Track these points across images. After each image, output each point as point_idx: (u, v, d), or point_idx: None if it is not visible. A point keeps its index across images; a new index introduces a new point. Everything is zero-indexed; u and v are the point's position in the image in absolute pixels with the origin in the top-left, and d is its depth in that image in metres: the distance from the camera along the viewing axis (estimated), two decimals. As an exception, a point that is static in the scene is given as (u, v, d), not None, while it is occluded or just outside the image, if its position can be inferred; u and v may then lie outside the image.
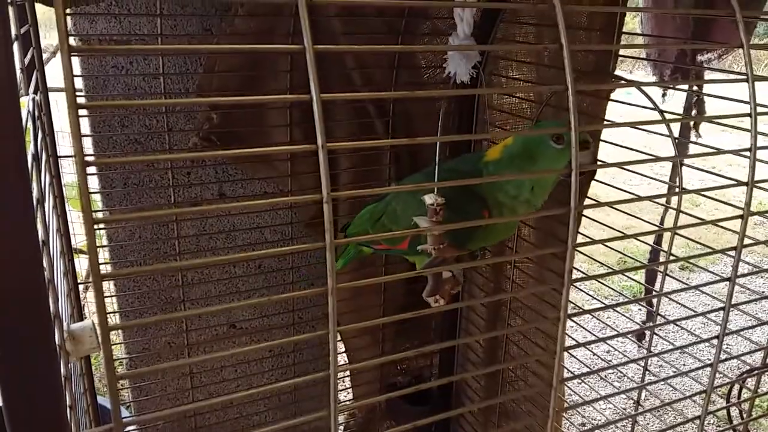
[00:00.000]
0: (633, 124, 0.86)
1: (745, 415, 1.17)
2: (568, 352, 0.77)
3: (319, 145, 0.55)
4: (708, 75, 1.61)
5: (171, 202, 1.55)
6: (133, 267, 1.23)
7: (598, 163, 1.26)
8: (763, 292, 3.88)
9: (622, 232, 0.93)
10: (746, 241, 0.89)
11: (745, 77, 0.80)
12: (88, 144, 1.50)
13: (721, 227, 1.06)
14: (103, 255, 1.62)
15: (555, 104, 1.42)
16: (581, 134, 1.07)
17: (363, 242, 1.42)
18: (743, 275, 0.92)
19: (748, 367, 1.30)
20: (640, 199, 0.89)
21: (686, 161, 1.32)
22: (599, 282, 2.44)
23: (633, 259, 1.50)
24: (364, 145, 0.97)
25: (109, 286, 1.72)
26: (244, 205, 1.06)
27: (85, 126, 1.49)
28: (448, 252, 1.07)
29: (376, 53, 1.60)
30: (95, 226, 0.48)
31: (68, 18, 1.38)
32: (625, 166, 1.29)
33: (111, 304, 1.65)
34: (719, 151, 0.90)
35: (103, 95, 1.44)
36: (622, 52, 1.33)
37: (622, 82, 1.07)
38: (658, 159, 0.90)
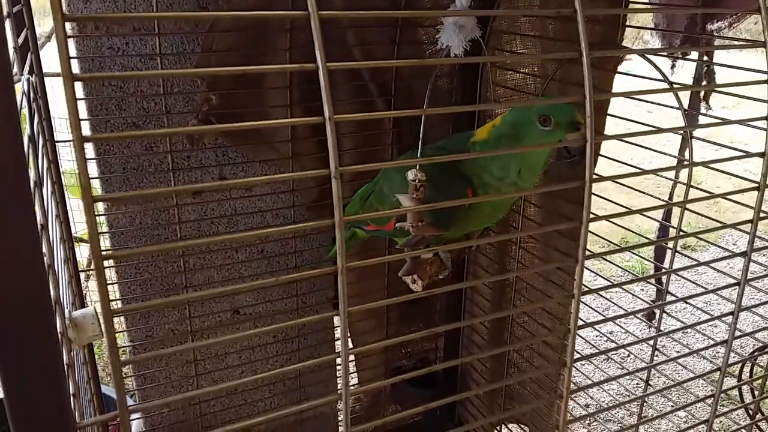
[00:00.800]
0: (637, 93, 0.83)
1: (757, 393, 1.15)
2: (577, 333, 0.75)
3: (326, 117, 0.52)
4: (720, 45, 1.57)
5: (171, 186, 1.52)
6: (134, 249, 1.21)
7: (605, 134, 1.23)
8: None
9: (628, 208, 0.90)
10: (761, 215, 0.87)
11: (762, 43, 0.78)
12: (85, 128, 1.47)
13: (733, 201, 1.04)
14: (104, 242, 1.60)
15: (560, 78, 1.39)
16: (573, 114, 1.05)
17: (355, 223, 1.41)
18: (761, 249, 0.90)
19: (757, 345, 1.28)
20: (650, 172, 0.86)
21: (696, 135, 1.29)
22: (605, 260, 2.42)
23: (640, 236, 1.48)
24: (370, 116, 0.94)
25: (110, 274, 1.70)
26: (246, 182, 1.03)
27: (82, 110, 1.46)
28: (427, 231, 1.04)
29: (377, 30, 1.57)
30: (94, 207, 0.46)
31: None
32: (632, 141, 1.27)
33: (113, 291, 1.63)
34: (731, 122, 0.87)
35: (100, 77, 1.41)
36: (630, 22, 1.29)
37: (634, 48, 1.04)
38: (662, 130, 0.87)
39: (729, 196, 0.95)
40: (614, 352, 3.04)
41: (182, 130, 1.29)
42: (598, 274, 1.85)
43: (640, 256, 2.17)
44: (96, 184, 1.52)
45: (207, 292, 0.58)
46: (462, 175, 1.12)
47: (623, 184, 1.32)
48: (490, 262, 1.88)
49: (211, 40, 1.40)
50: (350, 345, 1.98)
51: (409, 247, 1.09)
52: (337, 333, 2.16)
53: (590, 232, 1.58)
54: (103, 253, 0.47)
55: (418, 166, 1.03)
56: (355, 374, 2.05)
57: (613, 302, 1.83)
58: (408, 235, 1.08)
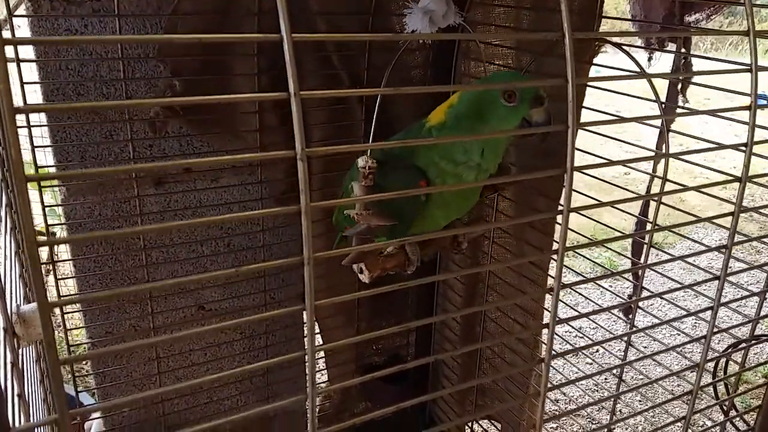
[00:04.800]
0: (613, 79, 0.81)
1: (731, 390, 1.14)
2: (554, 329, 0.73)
3: (291, 93, 0.48)
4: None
5: (132, 177, 1.46)
6: (85, 234, 1.14)
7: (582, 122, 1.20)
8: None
9: (599, 200, 0.88)
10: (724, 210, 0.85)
11: (746, 32, 0.76)
12: (42, 117, 1.40)
13: (706, 194, 1.02)
14: (62, 234, 1.53)
15: (535, 70, 1.37)
16: (537, 88, 1.00)
17: (340, 227, 1.35)
18: (740, 242, 0.88)
19: (731, 342, 1.27)
20: (625, 162, 0.83)
21: (673, 129, 1.27)
22: (581, 255, 2.42)
23: (613, 229, 1.46)
24: (336, 94, 0.89)
25: (69, 268, 1.62)
26: (207, 161, 0.97)
27: (37, 96, 1.39)
28: (372, 219, 1.00)
29: (349, 18, 1.53)
30: (27, 187, 0.41)
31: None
32: (608, 135, 1.25)
33: (68, 286, 1.56)
34: (708, 112, 0.85)
35: (56, 60, 1.34)
36: (606, 12, 1.27)
37: (614, 32, 1.02)
38: (639, 119, 0.84)
39: (704, 190, 0.93)
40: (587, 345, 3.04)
41: (140, 102, 1.21)
42: (570, 268, 1.83)
43: (613, 250, 2.16)
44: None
45: (162, 282, 0.53)
46: (415, 167, 1.06)
47: (597, 178, 1.30)
48: (463, 257, 1.85)
49: (174, 23, 1.33)
50: (319, 341, 1.94)
51: (356, 236, 1.04)
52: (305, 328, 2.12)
53: (559, 223, 1.56)
54: (39, 239, 0.42)
55: (369, 153, 0.99)
56: (326, 371, 2.01)
57: (584, 297, 1.82)
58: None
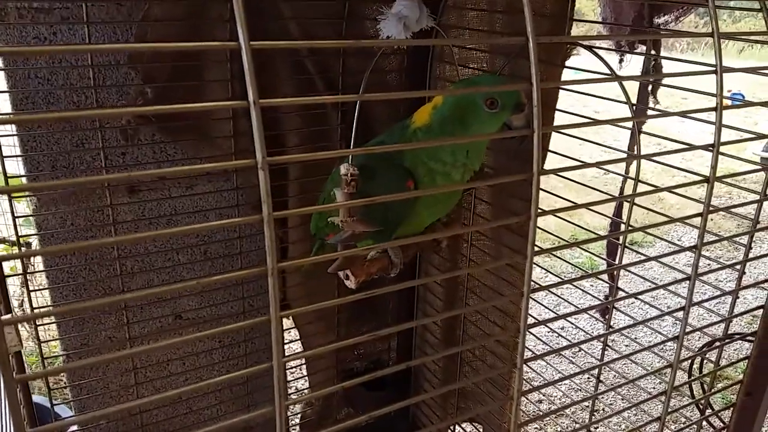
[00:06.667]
0: (583, 82, 0.81)
1: (707, 388, 1.15)
2: (528, 331, 0.72)
3: (251, 101, 0.47)
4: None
5: (105, 186, 1.43)
6: (56, 246, 1.12)
7: (553, 125, 1.21)
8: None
9: (574, 202, 0.88)
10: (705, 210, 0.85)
11: (710, 34, 0.76)
12: (11, 128, 1.37)
13: (680, 195, 1.03)
14: (35, 245, 1.51)
15: (509, 73, 1.37)
16: (519, 96, 1.03)
17: (319, 234, 1.34)
18: (710, 243, 0.88)
19: (706, 340, 1.28)
20: (596, 164, 0.84)
21: (645, 130, 1.28)
22: (555, 257, 2.43)
23: (589, 231, 1.47)
24: (301, 102, 0.89)
25: (41, 279, 1.60)
26: (177, 171, 0.96)
27: (6, 105, 1.37)
28: (356, 226, 1.01)
29: (323, 23, 1.52)
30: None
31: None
32: (581, 137, 1.25)
33: (45, 297, 1.53)
34: (679, 113, 0.86)
35: (24, 68, 1.32)
36: (585, 15, 1.28)
37: (579, 36, 1.03)
38: (611, 121, 0.85)
39: (675, 191, 0.94)
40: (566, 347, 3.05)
41: (112, 111, 1.20)
42: (549, 271, 1.85)
43: (590, 252, 2.18)
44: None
45: (131, 295, 0.52)
46: (401, 167, 1.08)
47: (574, 180, 1.30)
48: (443, 260, 1.85)
49: (144, 30, 1.32)
50: (300, 348, 1.92)
51: (341, 243, 1.05)
52: (288, 336, 2.10)
53: (539, 228, 1.57)
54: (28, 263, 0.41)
55: (350, 160, 0.99)
56: (307, 378, 2.00)
57: (563, 299, 1.83)
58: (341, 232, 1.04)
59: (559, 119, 1.42)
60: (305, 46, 1.40)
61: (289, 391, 2.06)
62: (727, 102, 0.96)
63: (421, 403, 2.09)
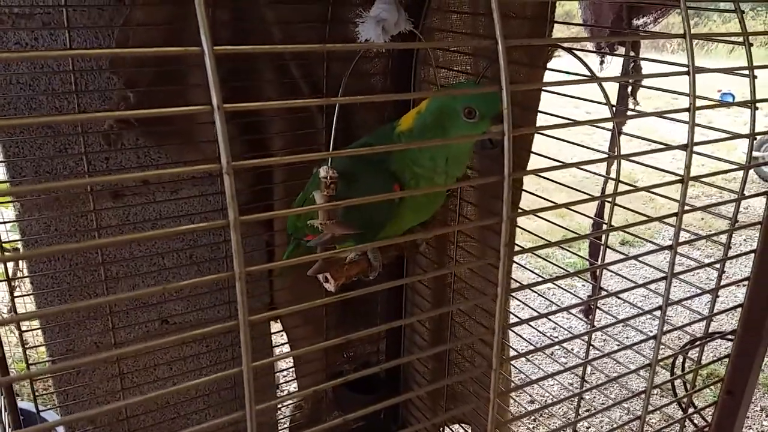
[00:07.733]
0: (561, 84, 0.81)
1: (689, 386, 1.15)
2: (513, 331, 0.73)
3: (215, 106, 0.47)
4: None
5: (88, 191, 1.43)
6: (38, 249, 1.12)
7: (526, 127, 1.22)
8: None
9: (554, 202, 0.89)
10: (686, 208, 0.86)
11: (683, 34, 0.77)
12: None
13: (660, 195, 1.04)
14: (22, 251, 1.50)
15: (492, 76, 1.38)
16: (498, 107, 1.03)
17: (295, 235, 1.35)
18: (685, 242, 0.89)
19: (689, 338, 1.29)
20: (574, 165, 0.84)
21: (625, 132, 1.29)
22: (544, 260, 2.43)
23: (576, 233, 1.48)
24: (261, 107, 0.89)
25: (23, 284, 1.59)
26: (158, 173, 0.97)
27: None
28: (336, 229, 1.01)
29: (305, 27, 1.52)
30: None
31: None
32: (564, 138, 1.26)
33: (29, 303, 1.53)
34: (655, 114, 0.86)
35: (6, 73, 1.31)
36: (571, 18, 1.29)
37: (552, 38, 1.03)
38: (590, 122, 0.85)
39: (656, 190, 0.95)
40: (557, 348, 3.06)
41: (95, 115, 1.20)
42: (538, 274, 1.85)
43: (578, 255, 2.18)
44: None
45: (114, 297, 0.52)
46: (386, 171, 1.08)
47: (562, 184, 1.31)
48: (429, 262, 1.85)
49: (126, 35, 1.32)
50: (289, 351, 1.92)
51: (320, 246, 1.05)
52: (276, 339, 2.10)
53: (529, 232, 1.57)
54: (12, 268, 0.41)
55: (329, 163, 0.99)
56: (296, 380, 2.00)
57: (552, 301, 1.84)
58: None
59: (549, 122, 1.43)
60: (268, 50, 1.41)
61: (282, 394, 2.06)
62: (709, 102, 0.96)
63: (411, 407, 2.10)
